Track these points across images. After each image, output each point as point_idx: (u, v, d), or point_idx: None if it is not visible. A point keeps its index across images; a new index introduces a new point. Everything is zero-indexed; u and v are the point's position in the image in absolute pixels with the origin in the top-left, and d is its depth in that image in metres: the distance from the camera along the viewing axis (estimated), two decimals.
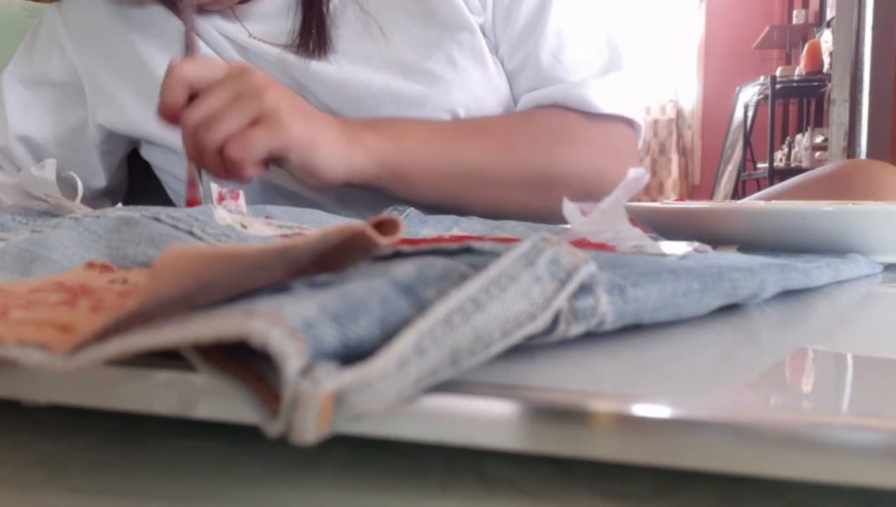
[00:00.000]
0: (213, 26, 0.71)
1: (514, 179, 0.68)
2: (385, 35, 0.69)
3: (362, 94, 0.68)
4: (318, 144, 0.58)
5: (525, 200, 0.68)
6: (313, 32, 0.69)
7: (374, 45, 0.69)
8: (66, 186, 0.52)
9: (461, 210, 0.66)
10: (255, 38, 0.71)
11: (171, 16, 0.71)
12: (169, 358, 0.17)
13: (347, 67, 0.69)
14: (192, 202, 0.59)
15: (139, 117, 0.72)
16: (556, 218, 0.65)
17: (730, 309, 0.28)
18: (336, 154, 0.59)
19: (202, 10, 0.69)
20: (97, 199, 0.80)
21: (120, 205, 0.43)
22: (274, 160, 0.58)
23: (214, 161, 0.56)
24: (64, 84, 0.76)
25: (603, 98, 0.70)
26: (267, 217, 0.43)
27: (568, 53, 0.70)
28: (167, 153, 0.74)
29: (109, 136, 0.75)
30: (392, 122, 0.66)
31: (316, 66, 0.69)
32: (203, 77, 0.56)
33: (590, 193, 0.65)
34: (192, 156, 0.57)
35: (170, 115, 0.56)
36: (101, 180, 0.78)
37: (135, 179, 0.84)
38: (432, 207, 0.66)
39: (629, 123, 0.72)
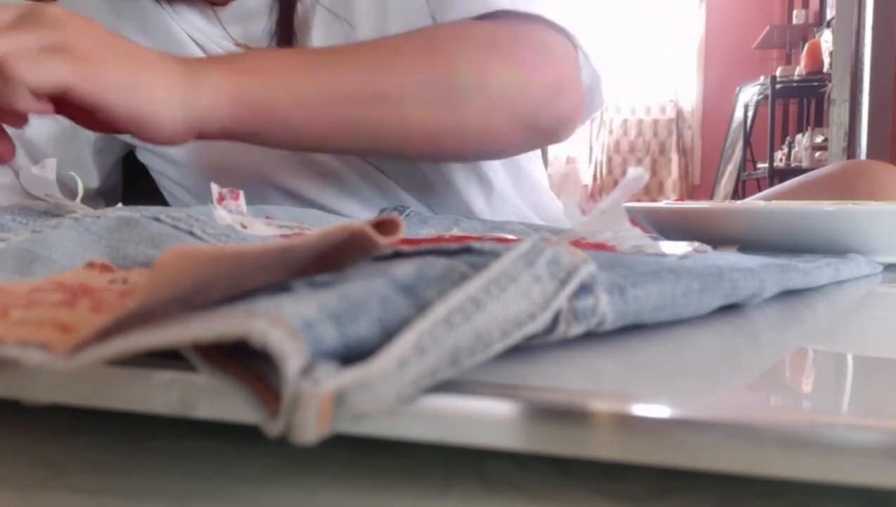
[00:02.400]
0: (193, 27, 0.69)
1: (414, 91, 0.57)
2: (352, 24, 0.66)
3: None
4: (139, 86, 0.46)
5: (435, 118, 0.57)
6: (294, 33, 0.67)
7: (343, 38, 0.67)
8: (66, 187, 0.52)
9: (363, 144, 0.58)
10: (240, 45, 0.70)
11: (159, 9, 0.71)
12: (169, 358, 0.17)
13: None
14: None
15: None
16: (480, 140, 0.59)
17: (730, 309, 0.28)
18: (167, 97, 0.47)
19: (177, 0, 0.67)
20: (90, 199, 0.79)
21: (120, 205, 0.42)
22: (82, 115, 0.47)
23: None
24: None
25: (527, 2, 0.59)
26: (267, 217, 0.43)
27: None
28: (162, 157, 0.74)
29: (102, 134, 0.75)
30: (250, 53, 0.56)
31: None
32: None
33: (503, 103, 0.58)
34: None
35: None
36: (94, 181, 0.78)
37: (131, 182, 0.85)
38: (326, 147, 0.59)
39: (555, 30, 0.61)
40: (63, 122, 0.75)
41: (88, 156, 0.76)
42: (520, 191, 0.78)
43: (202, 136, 0.52)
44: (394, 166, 0.71)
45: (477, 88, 0.58)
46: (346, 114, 0.55)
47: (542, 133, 0.62)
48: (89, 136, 0.75)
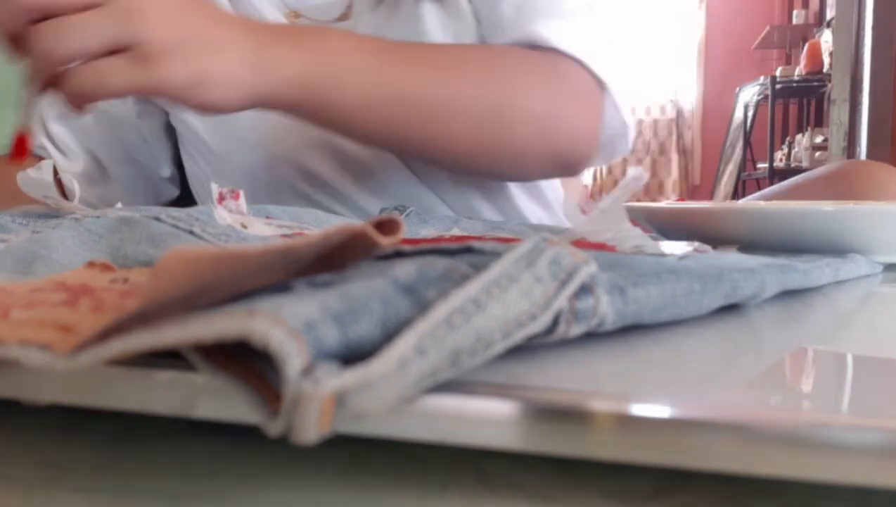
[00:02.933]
0: (250, 4, 0.68)
1: (464, 109, 0.58)
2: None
3: None
4: (208, 81, 0.47)
5: (477, 136, 0.59)
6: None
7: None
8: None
9: (405, 146, 0.59)
10: (292, 13, 0.69)
11: None
12: (170, 358, 0.17)
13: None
14: (20, 142, 0.48)
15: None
16: (511, 162, 0.62)
17: (730, 309, 0.28)
18: (233, 86, 0.49)
19: None
20: (161, 197, 0.80)
21: (119, 205, 0.42)
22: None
23: (43, 80, 0.45)
24: None
25: (557, 35, 0.61)
26: (267, 217, 0.43)
27: (530, 4, 0.63)
28: (195, 132, 0.73)
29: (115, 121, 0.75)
30: (323, 33, 0.55)
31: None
32: None
33: (541, 135, 0.60)
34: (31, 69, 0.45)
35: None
36: (166, 168, 0.78)
37: None
38: (373, 141, 0.60)
39: (592, 76, 0.63)
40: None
41: (132, 123, 0.75)
42: (530, 194, 0.78)
43: (265, 107, 0.52)
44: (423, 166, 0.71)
45: (524, 116, 0.59)
46: (401, 116, 0.56)
47: (563, 168, 0.65)
48: (128, 101, 0.74)
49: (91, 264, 0.29)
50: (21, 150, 0.48)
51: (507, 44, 0.63)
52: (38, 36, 0.44)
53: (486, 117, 0.59)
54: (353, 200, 0.71)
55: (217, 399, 0.16)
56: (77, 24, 0.43)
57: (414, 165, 0.70)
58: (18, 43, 0.45)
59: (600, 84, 0.63)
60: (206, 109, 0.49)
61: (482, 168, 0.64)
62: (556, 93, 0.61)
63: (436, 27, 0.66)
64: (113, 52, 0.45)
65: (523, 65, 0.61)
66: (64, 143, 0.75)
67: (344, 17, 0.68)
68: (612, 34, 0.67)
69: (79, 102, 0.46)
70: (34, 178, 0.44)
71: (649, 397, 0.16)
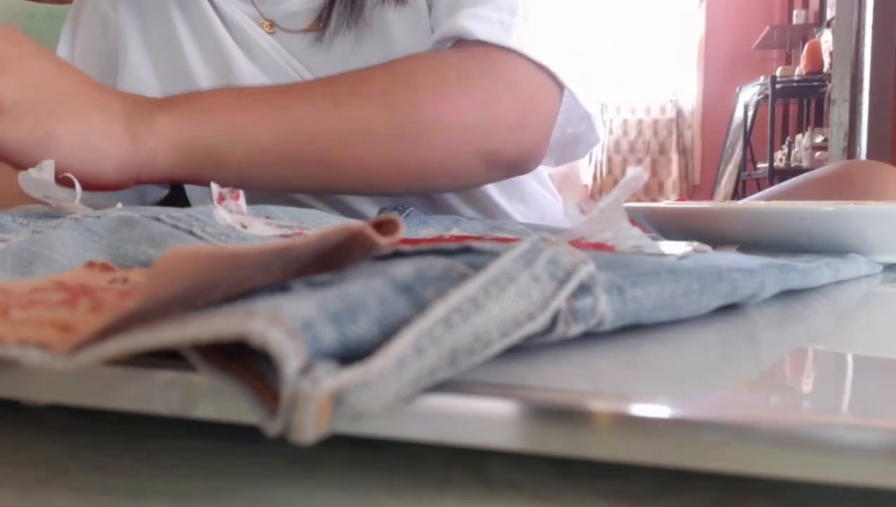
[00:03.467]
0: (236, 14, 0.70)
1: (373, 129, 0.55)
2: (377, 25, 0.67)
3: None
4: (59, 142, 0.46)
5: (395, 155, 0.56)
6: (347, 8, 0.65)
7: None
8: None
9: (322, 184, 0.57)
10: (278, 27, 0.70)
11: (205, 4, 0.71)
12: (169, 358, 0.17)
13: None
14: None
15: (151, 90, 0.72)
16: (443, 177, 0.59)
17: (729, 309, 0.28)
18: (96, 151, 0.47)
19: None
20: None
21: (120, 205, 0.42)
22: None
23: None
24: (108, 53, 0.76)
25: (484, 27, 0.57)
26: (267, 217, 0.43)
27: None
28: None
29: None
30: (198, 94, 0.55)
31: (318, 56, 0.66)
32: None
33: (465, 142, 0.57)
34: None
35: None
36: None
37: None
38: (284, 187, 0.58)
39: (545, 71, 0.59)
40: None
41: None
42: (515, 207, 0.78)
43: (142, 181, 0.51)
44: None
45: (436, 126, 0.56)
46: (301, 155, 0.54)
47: (504, 168, 0.62)
48: None
49: (91, 264, 0.29)
50: None
51: (437, 40, 0.61)
52: None
53: (395, 136, 0.56)
54: (345, 205, 0.72)
55: (216, 399, 0.16)
56: None
57: None
58: None
59: (547, 72, 0.59)
60: (86, 177, 0.46)
61: (414, 187, 0.62)
62: (484, 93, 0.58)
63: (403, 32, 0.65)
64: None
65: (437, 71, 0.57)
66: None
67: (313, 27, 0.68)
68: (563, 18, 0.62)
69: None
70: (35, 178, 0.44)
71: (649, 397, 0.16)
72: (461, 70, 0.58)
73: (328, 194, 0.66)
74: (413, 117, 0.56)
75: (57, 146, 0.46)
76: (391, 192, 0.62)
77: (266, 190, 0.58)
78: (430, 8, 0.66)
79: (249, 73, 0.69)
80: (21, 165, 0.45)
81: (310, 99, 0.54)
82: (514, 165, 0.63)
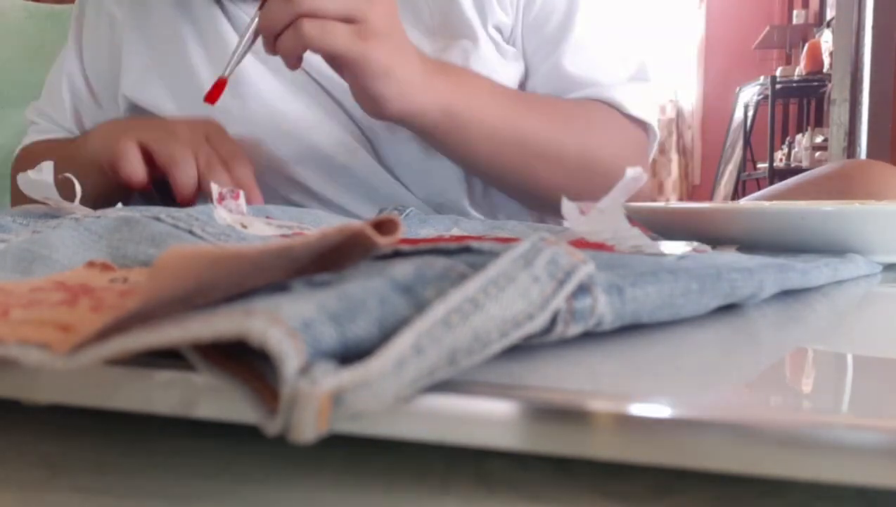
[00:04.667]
0: (245, 13, 0.71)
1: (563, 157, 0.67)
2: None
3: None
4: (391, 76, 0.56)
5: (567, 183, 0.66)
6: None
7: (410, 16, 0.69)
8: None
9: (508, 180, 0.67)
10: None
11: (210, 3, 0.72)
12: (169, 358, 0.17)
13: None
14: (217, 87, 0.56)
15: (157, 95, 0.73)
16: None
17: (728, 309, 0.28)
18: (404, 92, 0.57)
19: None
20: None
21: (120, 205, 0.43)
22: (341, 68, 0.57)
23: (277, 27, 0.53)
24: (116, 53, 0.77)
25: (632, 102, 0.72)
26: (267, 217, 0.43)
27: (595, 63, 0.72)
28: None
29: (132, 108, 0.76)
30: (465, 72, 0.65)
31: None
32: None
33: (610, 184, 0.66)
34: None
35: None
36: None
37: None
38: (481, 170, 0.67)
39: (646, 131, 0.75)
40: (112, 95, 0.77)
41: None
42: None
43: (403, 123, 0.60)
44: (408, 174, 0.73)
45: (604, 172, 0.67)
46: (514, 154, 0.65)
47: None
48: (120, 107, 0.77)
49: (91, 264, 0.29)
50: (215, 94, 0.56)
51: (579, 98, 0.72)
52: None
53: (575, 166, 0.67)
54: (342, 207, 0.72)
55: (216, 399, 0.16)
56: None
57: (398, 171, 0.71)
58: None
59: (650, 136, 0.75)
60: (376, 100, 0.57)
61: (551, 203, 0.70)
62: (629, 152, 0.72)
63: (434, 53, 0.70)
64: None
65: (601, 120, 0.71)
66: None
67: None
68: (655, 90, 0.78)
69: (295, 48, 0.54)
70: (34, 179, 0.44)
71: (649, 397, 0.16)
72: (621, 130, 0.72)
73: (495, 182, 0.72)
74: (590, 155, 0.68)
75: (388, 79, 0.56)
76: (545, 207, 0.73)
77: (470, 167, 0.67)
78: (502, 37, 0.72)
79: (255, 72, 0.69)
80: (356, 81, 0.56)
81: (537, 113, 0.67)
82: None
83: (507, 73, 0.72)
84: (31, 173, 0.44)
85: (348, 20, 0.53)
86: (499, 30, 0.72)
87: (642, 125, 0.74)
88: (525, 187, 0.68)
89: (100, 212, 0.37)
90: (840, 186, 0.75)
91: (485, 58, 0.70)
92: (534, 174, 0.66)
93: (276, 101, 0.69)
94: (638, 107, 0.72)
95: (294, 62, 0.56)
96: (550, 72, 0.72)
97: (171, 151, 0.60)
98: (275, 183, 0.72)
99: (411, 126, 0.61)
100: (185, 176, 0.59)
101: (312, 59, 0.68)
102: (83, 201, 0.46)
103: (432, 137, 0.63)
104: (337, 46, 0.53)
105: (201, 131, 0.62)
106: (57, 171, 0.45)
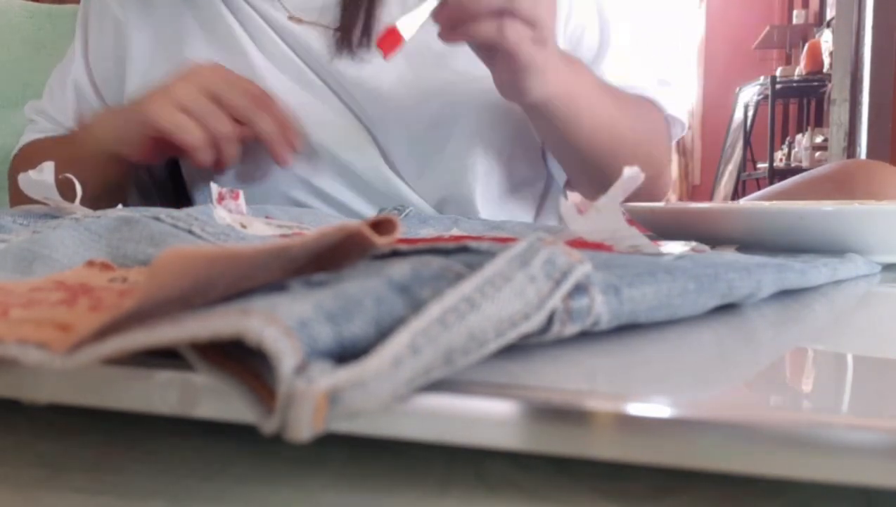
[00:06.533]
0: (252, 7, 0.71)
1: (630, 152, 0.70)
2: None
3: (397, 95, 0.70)
4: (539, 72, 0.59)
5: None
6: (358, 23, 0.69)
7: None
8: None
9: (596, 161, 0.70)
10: (294, 18, 0.71)
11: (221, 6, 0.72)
12: (169, 358, 0.17)
13: (383, 72, 0.69)
14: (389, 34, 0.54)
15: None
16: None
17: (727, 309, 0.28)
18: (545, 82, 0.60)
19: None
20: (148, 189, 0.81)
21: (120, 206, 0.43)
22: (495, 60, 0.59)
23: (484, 8, 0.55)
24: (122, 57, 0.77)
25: (670, 103, 0.77)
26: (267, 217, 0.43)
27: (633, 70, 0.76)
28: None
29: None
30: (578, 62, 0.68)
31: (352, 70, 0.70)
32: None
33: (651, 177, 0.70)
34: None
35: None
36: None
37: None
38: (580, 153, 0.70)
39: (670, 128, 0.80)
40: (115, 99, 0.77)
41: None
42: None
43: (532, 109, 0.64)
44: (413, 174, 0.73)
45: (652, 161, 0.73)
46: (605, 139, 0.68)
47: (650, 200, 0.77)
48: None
49: (90, 264, 0.29)
50: (386, 41, 0.54)
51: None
52: None
53: (638, 153, 0.71)
54: (344, 204, 0.72)
55: (216, 399, 0.16)
56: None
57: (401, 168, 0.71)
58: None
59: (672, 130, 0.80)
60: (520, 92, 0.60)
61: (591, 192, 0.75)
62: (665, 151, 0.78)
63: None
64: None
65: (651, 117, 0.76)
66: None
67: (333, 25, 0.70)
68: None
69: (490, 40, 0.56)
70: (35, 179, 0.44)
71: (649, 396, 0.16)
72: (665, 135, 0.79)
73: (586, 162, 0.74)
74: (649, 151, 0.74)
75: (537, 75, 0.59)
76: (606, 181, 0.74)
77: (569, 152, 0.71)
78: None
79: (262, 66, 0.70)
80: (509, 77, 0.59)
81: (627, 108, 0.71)
82: (655, 200, 0.76)
83: None
84: (31, 173, 0.44)
85: (532, 24, 0.56)
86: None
87: (674, 123, 0.79)
88: (604, 169, 0.70)
89: (100, 212, 0.37)
90: (840, 187, 0.75)
91: None
92: (613, 158, 0.69)
93: (283, 95, 0.69)
94: (675, 107, 0.78)
95: (480, 44, 0.58)
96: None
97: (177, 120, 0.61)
98: (277, 178, 0.72)
99: (539, 110, 0.64)
100: (192, 139, 0.61)
101: (319, 56, 0.69)
102: (84, 201, 0.46)
103: (553, 119, 0.65)
104: (522, 52, 0.56)
105: (204, 94, 0.63)
106: (58, 168, 0.44)
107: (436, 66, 0.69)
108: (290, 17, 0.71)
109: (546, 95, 0.62)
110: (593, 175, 0.73)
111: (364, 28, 0.69)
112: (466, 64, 0.67)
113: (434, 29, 0.68)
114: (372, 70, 0.69)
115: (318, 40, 0.70)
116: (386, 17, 0.69)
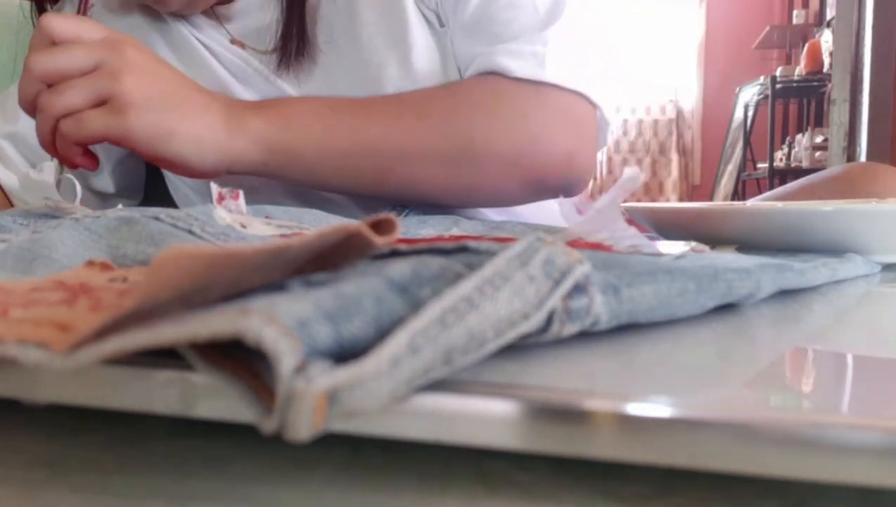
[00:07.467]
0: (190, 31, 0.70)
1: (430, 152, 0.61)
2: (353, 28, 0.67)
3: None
4: (176, 135, 0.54)
5: (447, 176, 0.62)
6: (294, 36, 0.67)
7: (346, 42, 0.68)
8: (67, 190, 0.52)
9: (378, 192, 0.63)
10: (236, 42, 0.70)
11: (180, 24, 0.71)
12: (168, 357, 0.17)
13: (321, 82, 0.67)
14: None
15: None
16: (486, 197, 0.65)
17: (726, 309, 0.28)
18: (203, 145, 0.55)
19: (179, 14, 0.69)
20: (106, 200, 0.80)
21: (120, 206, 0.43)
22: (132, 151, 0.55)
23: (47, 133, 0.52)
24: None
25: (523, 65, 0.61)
26: (266, 217, 0.43)
27: (498, 13, 0.64)
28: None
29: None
30: (284, 101, 0.62)
31: (294, 90, 0.68)
32: (73, 33, 0.53)
33: (515, 167, 0.62)
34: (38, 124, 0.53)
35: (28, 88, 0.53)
36: (105, 179, 0.78)
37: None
38: (345, 190, 0.64)
39: (581, 96, 0.63)
40: None
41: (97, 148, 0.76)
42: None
43: (231, 172, 0.58)
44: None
45: (491, 153, 0.61)
46: (367, 166, 0.60)
47: (551, 192, 0.66)
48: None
49: (90, 263, 0.29)
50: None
51: (471, 74, 0.65)
52: (42, 96, 0.52)
53: (450, 159, 0.61)
54: (340, 206, 0.72)
55: (216, 399, 0.16)
56: (72, 84, 0.52)
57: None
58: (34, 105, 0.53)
59: (583, 97, 0.63)
60: (177, 165, 0.55)
61: (459, 203, 0.67)
62: (533, 122, 0.62)
63: (385, 51, 0.67)
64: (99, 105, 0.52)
65: (493, 101, 0.62)
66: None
67: (273, 49, 0.69)
68: (579, 37, 0.65)
69: (64, 149, 0.53)
70: (35, 179, 0.44)
71: (648, 396, 0.16)
72: (518, 100, 0.62)
73: (379, 199, 0.69)
74: (469, 145, 0.61)
75: (174, 139, 0.54)
76: (442, 204, 0.67)
77: (332, 190, 0.65)
78: (439, 21, 0.67)
79: (230, 81, 0.70)
80: (143, 153, 0.54)
81: (382, 116, 0.61)
82: (561, 191, 0.65)
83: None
84: (31, 173, 0.44)
85: (99, 103, 0.52)
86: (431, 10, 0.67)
87: (570, 91, 0.62)
88: (402, 192, 0.63)
89: (100, 212, 0.37)
90: (843, 189, 0.75)
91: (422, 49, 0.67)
92: (405, 178, 0.61)
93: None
94: (534, 69, 0.61)
95: (81, 161, 0.54)
96: (456, 26, 0.66)
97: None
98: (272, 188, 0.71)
99: (239, 172, 0.59)
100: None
101: (267, 75, 0.68)
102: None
103: (268, 175, 0.60)
104: (97, 131, 0.52)
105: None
106: None
107: (377, 78, 0.66)
108: (233, 41, 0.71)
109: (226, 157, 0.56)
110: (391, 195, 0.64)
111: (298, 49, 0.67)
112: (404, 70, 0.65)
113: (372, 42, 0.67)
114: (314, 87, 0.68)
115: (262, 60, 0.70)
116: (321, 35, 0.67)
